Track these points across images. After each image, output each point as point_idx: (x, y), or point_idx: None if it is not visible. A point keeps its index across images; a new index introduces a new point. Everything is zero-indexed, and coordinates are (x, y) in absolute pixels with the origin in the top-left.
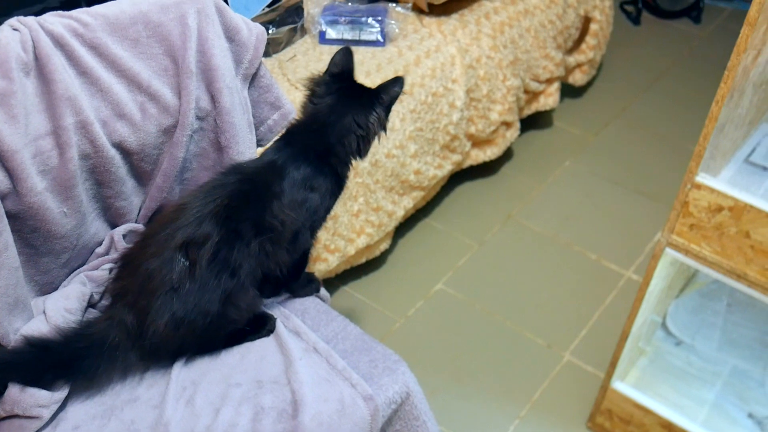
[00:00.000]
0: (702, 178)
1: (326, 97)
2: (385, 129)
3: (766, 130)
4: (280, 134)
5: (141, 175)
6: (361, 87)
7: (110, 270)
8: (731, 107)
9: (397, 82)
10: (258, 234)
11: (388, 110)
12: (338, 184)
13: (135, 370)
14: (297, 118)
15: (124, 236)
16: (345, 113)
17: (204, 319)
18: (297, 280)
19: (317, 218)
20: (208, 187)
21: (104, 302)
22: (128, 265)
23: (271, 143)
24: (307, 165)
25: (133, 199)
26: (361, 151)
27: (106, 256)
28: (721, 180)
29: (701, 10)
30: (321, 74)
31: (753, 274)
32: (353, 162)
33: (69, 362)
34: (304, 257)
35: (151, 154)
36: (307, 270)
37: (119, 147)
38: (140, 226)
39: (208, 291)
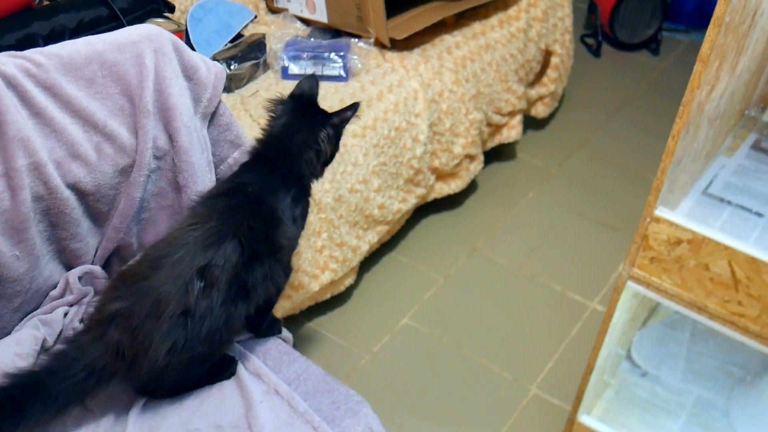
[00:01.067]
0: (661, 211)
1: (282, 117)
2: (335, 149)
3: (723, 163)
4: (248, 154)
5: (97, 216)
6: (316, 109)
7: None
8: (687, 141)
9: (351, 107)
10: (271, 254)
11: (337, 131)
12: (308, 204)
13: (171, 404)
14: (259, 138)
15: (80, 278)
16: (297, 131)
17: (204, 347)
18: (265, 319)
19: (297, 244)
20: (222, 207)
21: (82, 325)
22: (131, 285)
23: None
24: (294, 186)
25: (89, 240)
26: (317, 170)
27: (61, 299)
28: (680, 213)
29: (660, 43)
30: (282, 95)
31: (713, 306)
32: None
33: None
34: (277, 294)
35: (108, 195)
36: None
37: (74, 188)
38: (97, 268)
39: (220, 316)
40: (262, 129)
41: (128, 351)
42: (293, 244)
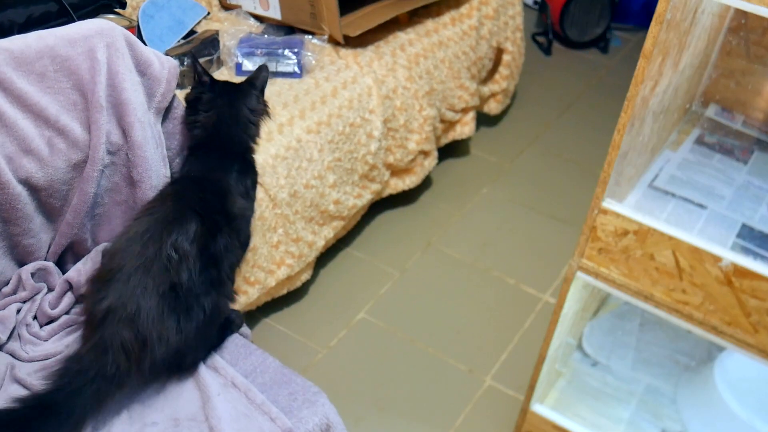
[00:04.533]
0: (608, 203)
1: (214, 100)
2: (267, 111)
3: (668, 156)
4: (195, 142)
5: (50, 212)
6: (231, 83)
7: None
8: (633, 135)
9: (262, 69)
10: (229, 222)
11: (263, 93)
12: (256, 174)
13: (128, 399)
14: (201, 122)
15: (32, 274)
16: (239, 107)
17: (202, 315)
18: None
19: (251, 212)
20: (171, 192)
21: (36, 321)
22: (108, 281)
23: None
24: (238, 162)
25: (41, 236)
26: (257, 134)
27: (14, 296)
28: (627, 205)
29: (608, 41)
30: (199, 84)
31: (659, 294)
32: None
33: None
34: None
35: (60, 190)
36: None
37: (26, 183)
38: (50, 264)
39: (204, 281)
40: (192, 117)
41: (134, 345)
42: (247, 213)
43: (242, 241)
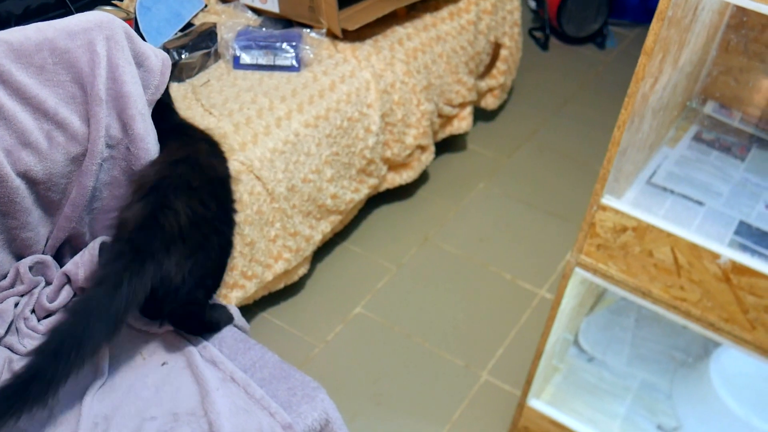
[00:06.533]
0: (607, 200)
1: None
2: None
3: (666, 153)
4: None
5: (48, 205)
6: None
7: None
8: (632, 132)
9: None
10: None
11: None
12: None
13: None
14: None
15: (30, 268)
16: None
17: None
18: None
19: None
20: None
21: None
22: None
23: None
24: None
25: (39, 229)
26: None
27: (12, 289)
28: (625, 201)
29: (605, 37)
30: None
31: (657, 291)
32: None
33: None
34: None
35: (59, 184)
36: (223, 298)
37: (24, 176)
38: (48, 258)
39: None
40: None
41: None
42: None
43: None
